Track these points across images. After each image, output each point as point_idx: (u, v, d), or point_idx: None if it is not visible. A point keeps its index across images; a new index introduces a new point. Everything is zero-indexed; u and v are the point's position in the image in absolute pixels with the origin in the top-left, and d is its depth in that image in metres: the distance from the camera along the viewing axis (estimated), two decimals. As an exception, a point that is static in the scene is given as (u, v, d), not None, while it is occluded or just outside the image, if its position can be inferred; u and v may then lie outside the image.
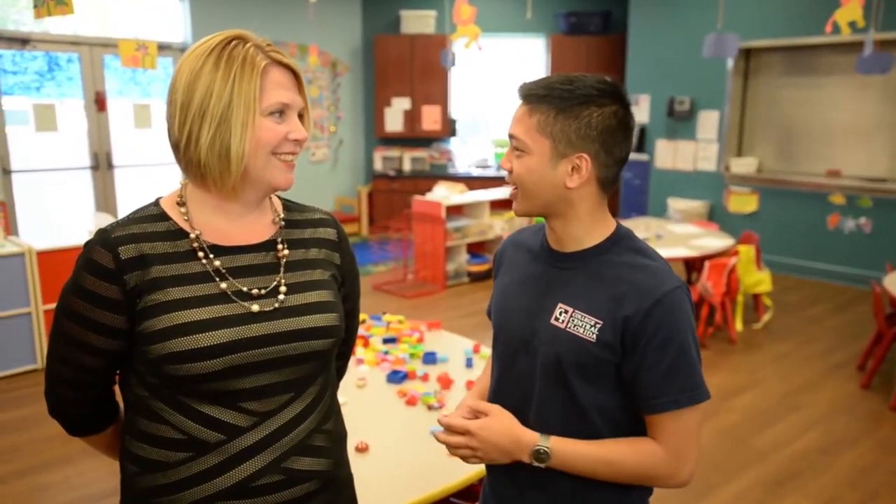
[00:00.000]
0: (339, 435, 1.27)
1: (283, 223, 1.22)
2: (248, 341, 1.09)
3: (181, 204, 1.14)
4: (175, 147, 1.11)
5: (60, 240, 4.53)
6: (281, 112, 1.11)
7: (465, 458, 1.28)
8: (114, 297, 1.07)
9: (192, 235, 1.12)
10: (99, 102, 6.56)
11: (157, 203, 1.16)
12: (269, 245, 1.18)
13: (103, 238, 1.08)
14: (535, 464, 1.22)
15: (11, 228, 5.98)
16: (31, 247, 4.29)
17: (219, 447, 1.10)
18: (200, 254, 1.11)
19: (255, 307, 1.11)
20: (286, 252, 1.19)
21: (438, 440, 1.29)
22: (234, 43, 1.08)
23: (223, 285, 1.11)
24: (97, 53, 6.52)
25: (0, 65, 6.04)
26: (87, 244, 1.09)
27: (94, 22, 6.60)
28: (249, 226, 1.17)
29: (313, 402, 1.19)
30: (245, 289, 1.12)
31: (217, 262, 1.12)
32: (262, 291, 1.13)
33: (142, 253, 1.08)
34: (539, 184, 1.23)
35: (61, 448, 3.42)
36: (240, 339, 1.08)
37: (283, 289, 1.15)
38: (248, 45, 1.08)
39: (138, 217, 1.13)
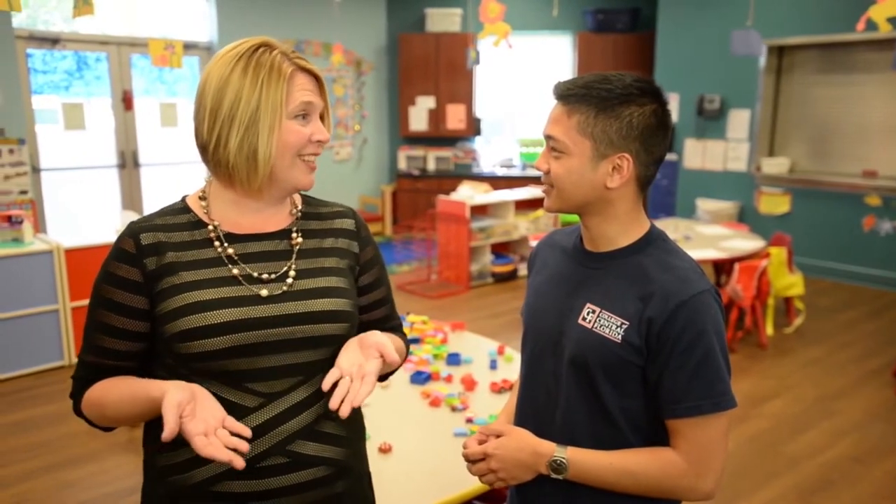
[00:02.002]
0: (355, 426, 1.29)
1: (299, 214, 1.27)
2: (255, 321, 1.13)
3: (203, 198, 1.22)
4: (203, 149, 1.18)
5: (88, 237, 4.57)
6: (304, 115, 1.17)
7: (491, 484, 1.28)
8: (135, 280, 1.14)
9: (211, 226, 1.19)
10: (126, 101, 6.64)
11: (182, 199, 1.25)
12: (283, 234, 1.24)
13: (129, 228, 1.18)
14: (553, 475, 1.21)
15: (40, 226, 6.07)
16: (60, 244, 4.34)
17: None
18: (216, 242, 1.18)
19: (264, 291, 1.16)
20: (300, 241, 1.24)
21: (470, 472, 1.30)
22: (261, 50, 1.14)
23: (234, 270, 1.17)
24: (125, 53, 6.59)
25: (30, 64, 6.13)
26: (118, 236, 1.19)
27: (121, 22, 6.68)
28: (266, 217, 1.23)
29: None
30: (255, 274, 1.18)
31: (230, 250, 1.18)
32: (272, 276, 1.18)
33: (159, 240, 1.16)
34: (578, 184, 1.22)
35: (86, 445, 3.44)
36: (246, 319, 1.13)
37: (292, 273, 1.20)
38: (275, 52, 1.14)
39: (163, 211, 1.22)
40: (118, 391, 1.15)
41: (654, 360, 1.17)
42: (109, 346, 1.17)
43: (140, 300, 1.14)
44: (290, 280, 1.19)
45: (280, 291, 1.17)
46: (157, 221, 1.18)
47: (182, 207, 1.22)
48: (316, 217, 1.29)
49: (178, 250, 1.16)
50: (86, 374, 1.19)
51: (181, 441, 1.12)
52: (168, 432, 1.00)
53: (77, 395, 1.21)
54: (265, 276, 1.18)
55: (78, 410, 1.22)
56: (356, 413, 1.30)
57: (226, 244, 1.18)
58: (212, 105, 1.13)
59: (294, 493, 1.17)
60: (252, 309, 1.14)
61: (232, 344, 1.12)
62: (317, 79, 1.19)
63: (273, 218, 1.23)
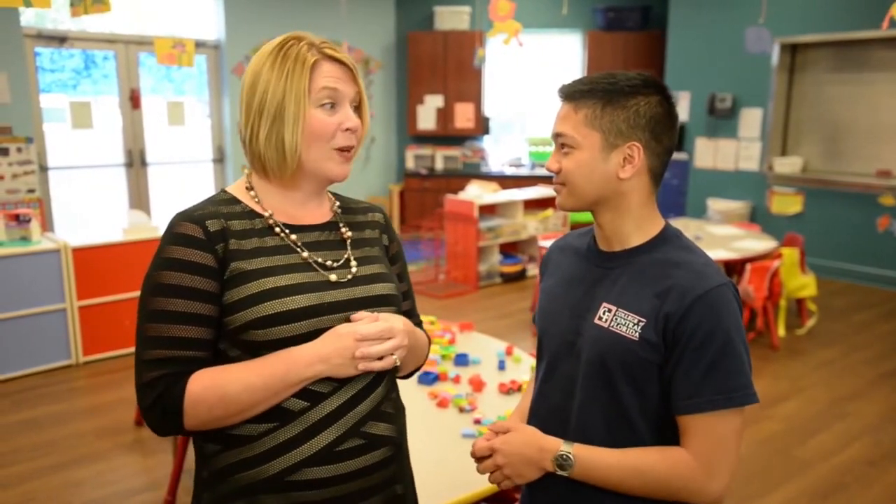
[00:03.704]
0: (402, 405, 1.34)
1: (339, 210, 1.32)
2: (329, 306, 1.16)
3: (250, 189, 1.23)
4: (244, 142, 1.21)
5: (95, 236, 4.57)
6: (333, 104, 1.18)
7: (499, 483, 1.27)
8: (209, 265, 1.13)
9: (266, 214, 1.21)
10: (133, 100, 6.64)
11: (224, 191, 1.25)
12: (331, 226, 1.28)
13: (188, 216, 1.16)
14: (559, 472, 1.19)
15: (47, 225, 6.08)
16: (67, 243, 4.34)
17: (302, 415, 1.14)
18: (277, 229, 1.20)
19: (333, 276, 1.20)
20: (350, 233, 1.29)
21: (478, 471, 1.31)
22: (289, 43, 1.16)
23: (304, 254, 1.20)
24: (132, 51, 6.60)
25: (38, 62, 6.14)
26: (171, 225, 1.16)
27: (129, 20, 6.69)
28: (311, 210, 1.26)
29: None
30: (320, 260, 1.21)
31: (293, 237, 1.21)
32: (336, 264, 1.22)
33: (224, 227, 1.16)
34: (591, 177, 1.22)
35: (93, 444, 3.44)
36: (321, 304, 1.16)
37: (353, 262, 1.24)
38: (302, 43, 1.16)
39: (213, 200, 1.21)
40: (237, 369, 1.12)
41: (670, 356, 1.15)
42: (192, 336, 1.11)
43: (214, 285, 1.13)
44: (354, 268, 1.23)
45: (347, 278, 1.21)
46: (213, 209, 1.18)
47: (231, 198, 1.22)
48: (352, 211, 1.34)
49: (240, 238, 1.16)
50: (162, 371, 1.10)
51: (250, 435, 1.15)
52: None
53: (167, 394, 1.09)
54: (329, 262, 1.21)
55: (170, 413, 1.10)
56: (397, 391, 1.32)
57: (287, 231, 1.21)
58: (247, 100, 1.17)
59: (367, 475, 1.20)
60: (326, 294, 1.17)
61: (309, 329, 1.14)
62: (349, 67, 1.21)
63: (317, 211, 1.27)
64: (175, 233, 1.14)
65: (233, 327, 1.13)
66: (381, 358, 1.16)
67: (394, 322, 1.18)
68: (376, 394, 1.22)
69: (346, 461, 1.17)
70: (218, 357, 1.16)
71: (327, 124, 1.17)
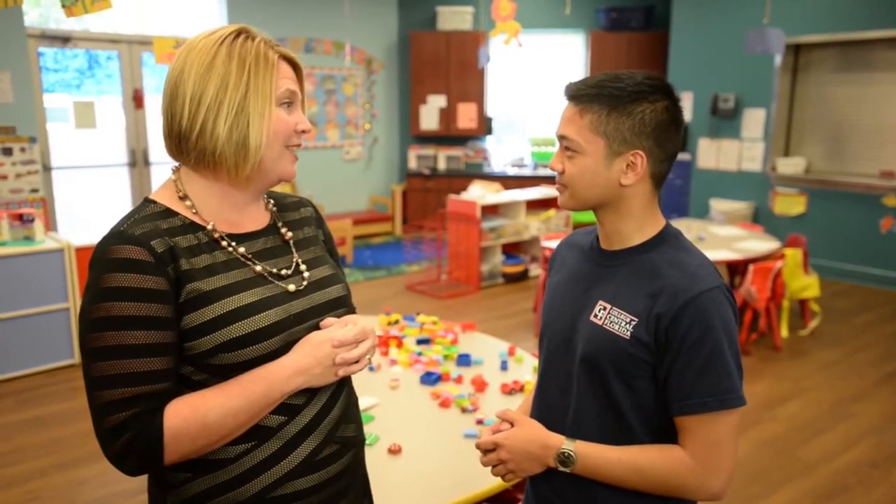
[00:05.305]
0: (356, 399, 1.33)
1: (275, 209, 1.26)
2: (295, 318, 1.13)
3: (183, 198, 1.14)
4: (178, 138, 1.10)
5: (98, 236, 4.56)
6: (289, 104, 1.14)
7: (502, 476, 1.29)
8: (162, 289, 1.03)
9: (209, 227, 1.13)
10: (137, 100, 6.65)
11: (153, 202, 1.13)
12: (272, 229, 1.23)
13: (127, 238, 1.04)
14: (561, 468, 1.22)
15: (51, 224, 6.09)
16: (70, 243, 4.35)
17: (280, 430, 1.12)
18: (223, 242, 1.13)
19: (291, 286, 1.16)
20: (290, 234, 1.24)
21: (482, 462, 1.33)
22: (242, 37, 1.10)
23: (257, 268, 1.14)
24: (136, 51, 6.61)
25: (42, 62, 6.15)
26: (105, 249, 1.04)
27: (133, 20, 6.70)
28: (253, 213, 1.21)
29: None
30: (274, 270, 1.16)
31: (241, 249, 1.15)
32: (288, 272, 1.18)
33: (170, 246, 1.06)
34: (593, 183, 1.23)
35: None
36: (288, 317, 1.12)
37: (303, 267, 1.21)
38: (258, 39, 1.11)
39: (146, 216, 1.09)
40: (214, 395, 1.06)
41: (663, 357, 1.17)
42: (158, 368, 1.03)
43: (170, 310, 1.04)
44: (306, 273, 1.20)
45: (303, 285, 1.18)
46: (150, 227, 1.07)
47: (164, 210, 1.11)
48: (286, 208, 1.29)
49: (190, 256, 1.08)
50: (130, 410, 1.02)
51: (226, 458, 1.10)
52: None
53: (142, 435, 1.01)
54: (283, 272, 1.17)
55: (148, 453, 1.02)
56: (352, 386, 1.31)
57: (234, 244, 1.14)
58: (193, 92, 1.07)
59: (345, 476, 1.20)
60: (290, 305, 1.14)
61: (279, 345, 1.10)
62: (296, 68, 1.17)
63: (256, 213, 1.21)
64: (115, 258, 1.02)
65: (198, 352, 1.06)
66: (356, 361, 1.15)
67: (363, 323, 1.17)
68: (344, 396, 1.22)
69: (327, 468, 1.16)
70: (181, 383, 1.08)
71: (288, 124, 1.13)
